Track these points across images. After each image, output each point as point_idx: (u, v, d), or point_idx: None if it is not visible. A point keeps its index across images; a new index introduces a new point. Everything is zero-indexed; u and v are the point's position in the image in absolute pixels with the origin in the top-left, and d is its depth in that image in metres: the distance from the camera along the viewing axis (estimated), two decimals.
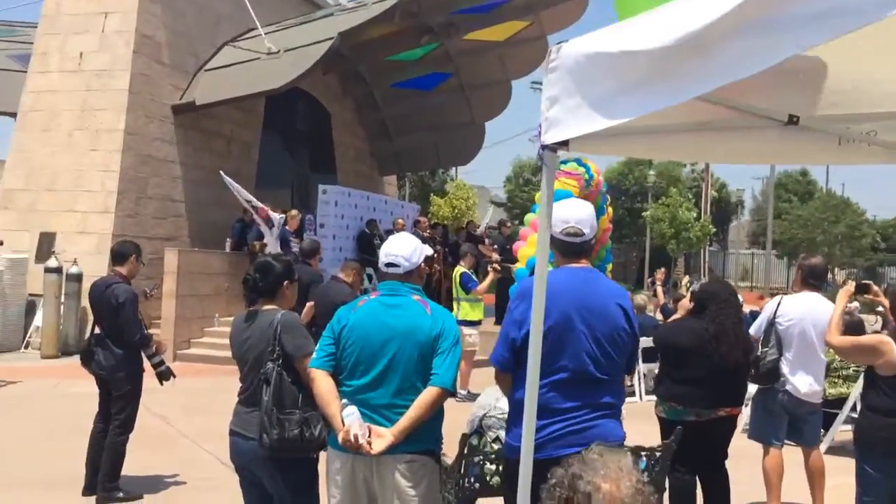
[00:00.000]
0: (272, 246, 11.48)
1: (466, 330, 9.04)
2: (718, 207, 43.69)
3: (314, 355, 3.22)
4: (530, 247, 13.24)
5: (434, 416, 3.08)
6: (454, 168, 36.81)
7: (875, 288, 4.20)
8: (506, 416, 3.45)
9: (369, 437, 2.94)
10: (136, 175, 12.69)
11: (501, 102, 19.55)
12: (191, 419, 7.89)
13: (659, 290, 11.02)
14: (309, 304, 7.43)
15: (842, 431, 7.12)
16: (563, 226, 3.12)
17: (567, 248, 3.13)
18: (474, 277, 9.44)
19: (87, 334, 5.68)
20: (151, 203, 12.97)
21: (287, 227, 12.28)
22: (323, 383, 3.13)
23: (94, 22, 12.98)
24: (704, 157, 4.17)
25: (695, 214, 29.22)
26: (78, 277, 11.65)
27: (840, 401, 7.09)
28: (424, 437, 3.06)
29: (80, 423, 6.02)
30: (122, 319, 5.35)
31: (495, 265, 9.87)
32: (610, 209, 17.24)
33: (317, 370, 3.16)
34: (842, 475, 5.68)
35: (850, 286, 4.09)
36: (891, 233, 42.80)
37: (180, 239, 13.38)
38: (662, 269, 20.49)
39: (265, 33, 13.85)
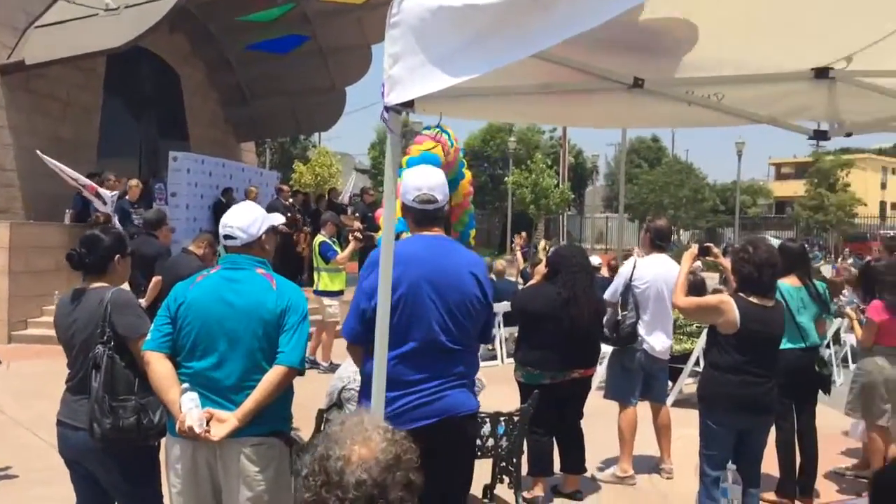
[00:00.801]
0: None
1: (327, 301, 8.89)
2: (575, 173, 45.26)
3: (148, 336, 2.97)
4: (395, 213, 13.14)
5: (282, 395, 2.91)
6: (317, 134, 36.09)
7: (716, 250, 4.38)
8: None
9: (208, 424, 2.74)
10: None
11: (361, 67, 19.12)
12: (26, 405, 7.26)
13: (519, 255, 11.21)
14: (155, 279, 7.01)
15: (686, 385, 7.52)
16: (416, 193, 3.04)
17: (421, 215, 3.05)
18: (335, 247, 9.21)
19: None
20: None
21: (128, 198, 11.54)
22: (159, 367, 2.88)
23: None
24: (553, 119, 4.21)
25: (556, 181, 30.06)
26: None
27: (685, 356, 7.47)
28: (271, 417, 2.89)
29: None
30: None
31: (357, 233, 9.66)
32: (468, 173, 17.42)
33: (151, 353, 2.91)
34: (686, 427, 6.00)
35: (694, 249, 4.25)
36: (728, 196, 46.00)
37: (12, 211, 12.29)
38: (523, 234, 21.04)
39: None
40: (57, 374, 8.50)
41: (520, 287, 10.39)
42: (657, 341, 5.19)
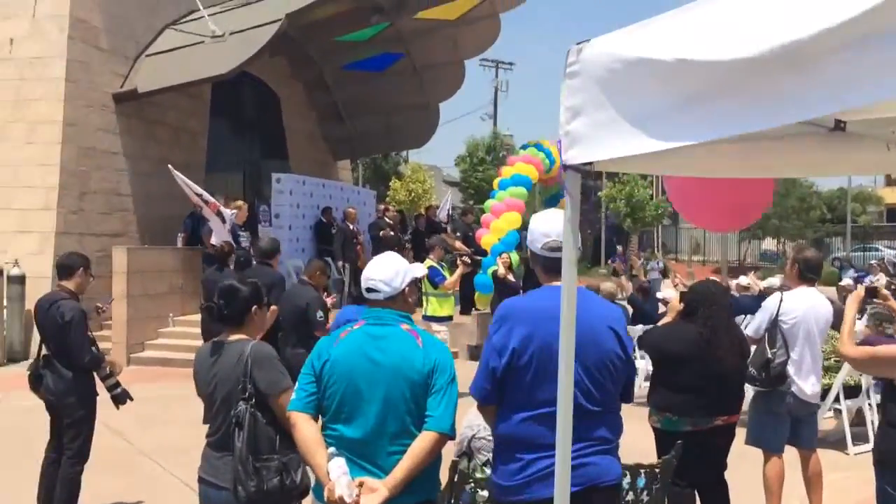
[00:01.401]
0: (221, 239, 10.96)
1: (436, 326, 8.77)
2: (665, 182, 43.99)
3: (294, 396, 2.85)
4: (493, 235, 12.97)
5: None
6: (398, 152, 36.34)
7: (884, 292, 3.97)
8: None
9: (359, 493, 2.60)
10: (78, 168, 12.00)
11: (455, 83, 19.15)
12: (149, 433, 7.42)
13: (624, 279, 10.82)
14: (272, 310, 7.00)
15: (825, 419, 7.02)
16: (544, 240, 2.87)
17: (550, 263, 2.83)
18: (444, 272, 9.09)
19: (35, 355, 5.18)
20: (96, 198, 12.30)
21: (235, 220, 11.77)
22: (305, 429, 2.75)
23: (23, 5, 12.17)
24: (743, 172, 3.78)
25: (650, 192, 29.30)
26: (20, 279, 11.01)
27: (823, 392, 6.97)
28: (421, 485, 2.71)
29: (32, 445, 5.55)
30: (69, 340, 4.89)
31: (466, 259, 9.54)
32: (559, 160, 17.08)
33: (298, 414, 2.78)
34: (831, 471, 5.55)
35: (860, 291, 3.85)
36: (835, 204, 43.70)
37: (128, 235, 12.75)
38: (635, 253, 20.20)
39: (208, 15, 13.19)
40: (176, 398, 8.65)
41: (626, 308, 9.99)
42: (807, 383, 4.79)
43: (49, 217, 11.57)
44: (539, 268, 2.93)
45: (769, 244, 47.05)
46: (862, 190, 49.27)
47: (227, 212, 11.51)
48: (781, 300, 4.81)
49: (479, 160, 38.61)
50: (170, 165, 11.63)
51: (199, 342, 11.33)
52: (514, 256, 12.29)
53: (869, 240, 42.22)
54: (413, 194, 26.34)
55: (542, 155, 14.07)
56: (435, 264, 9.06)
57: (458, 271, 9.10)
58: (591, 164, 2.00)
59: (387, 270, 2.88)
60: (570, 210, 2.11)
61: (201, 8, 13.18)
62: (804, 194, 36.09)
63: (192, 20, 13.95)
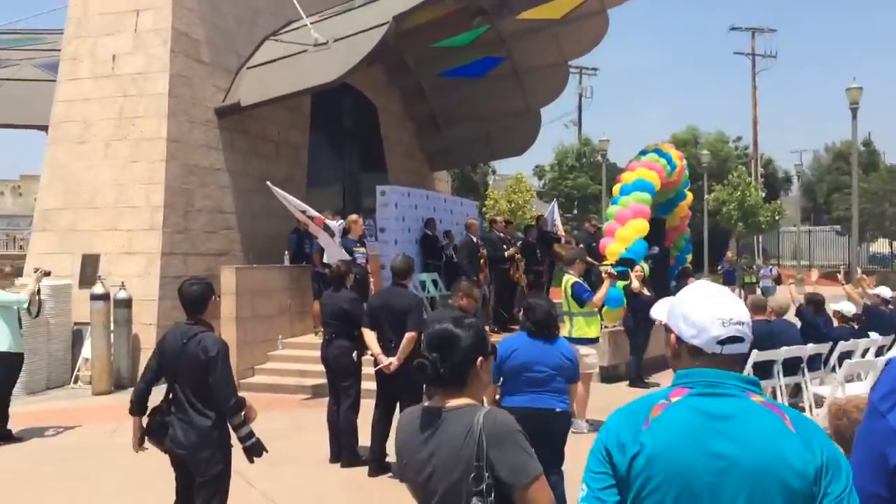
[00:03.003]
0: (334, 256, 10.28)
1: (584, 350, 7.78)
2: (766, 184, 41.83)
3: None
4: (619, 244, 11.92)
5: None
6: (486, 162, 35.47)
7: None
8: None
9: None
10: (183, 186, 11.56)
11: (558, 86, 18.22)
12: (274, 473, 6.66)
13: (793, 290, 9.62)
14: (410, 335, 6.20)
15: None
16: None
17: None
18: (587, 287, 8.13)
19: (160, 399, 4.46)
20: (200, 216, 11.83)
21: (350, 236, 11.08)
22: None
23: (125, 21, 11.85)
24: None
25: (763, 195, 27.53)
26: (127, 303, 10.58)
27: None
28: None
29: (146, 489, 4.86)
30: (214, 378, 4.16)
31: (611, 270, 8.57)
32: (690, 195, 15.85)
33: None
34: None
35: None
36: None
37: (233, 254, 12.25)
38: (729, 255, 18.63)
39: (310, 24, 12.63)
40: (295, 429, 7.87)
41: (795, 325, 8.80)
42: None
43: (154, 237, 11.15)
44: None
45: (879, 246, 44.19)
46: None
47: (333, 223, 10.85)
48: None
49: (569, 167, 37.48)
50: (268, 182, 11.05)
51: (309, 366, 10.73)
52: (646, 268, 11.23)
53: None
54: (513, 205, 25.39)
55: (664, 161, 12.97)
56: (578, 280, 8.12)
57: (605, 285, 8.14)
58: None
59: (743, 309, 1.93)
60: None
61: (304, 16, 12.63)
62: None
63: (291, 30, 13.44)
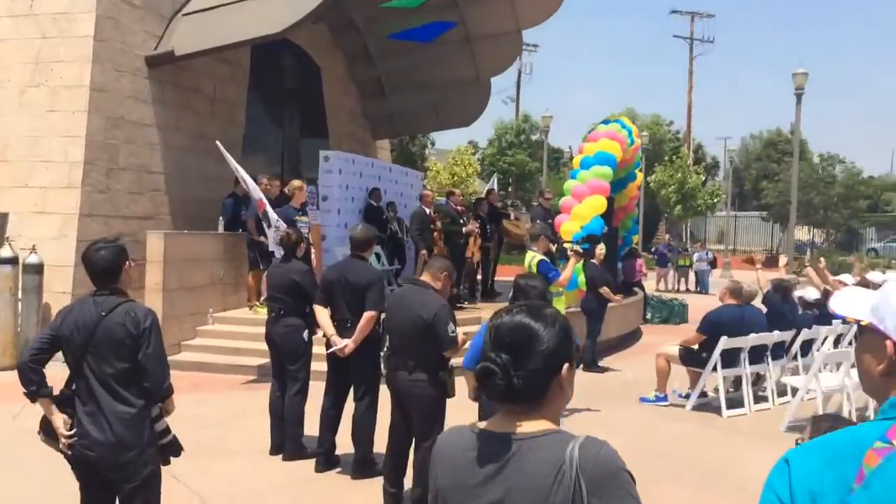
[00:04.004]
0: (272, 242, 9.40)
1: None
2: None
3: None
4: (575, 221, 11.42)
5: None
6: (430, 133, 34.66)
7: None
8: None
9: None
10: (106, 141, 10.45)
11: (510, 55, 17.58)
12: (206, 466, 5.87)
13: (760, 275, 9.28)
14: (369, 315, 5.49)
15: None
16: None
17: None
18: (553, 266, 7.56)
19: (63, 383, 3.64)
20: (125, 175, 10.76)
21: (292, 204, 10.23)
22: None
23: None
24: None
25: (703, 178, 27.62)
26: (38, 268, 9.51)
27: None
28: None
29: (60, 487, 4.05)
30: (145, 356, 3.39)
31: (576, 248, 8.01)
32: (640, 175, 15.50)
33: None
34: None
35: None
36: (871, 193, 41.68)
37: (160, 218, 11.23)
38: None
39: None
40: (229, 414, 7.03)
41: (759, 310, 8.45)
42: None
43: (72, 196, 10.05)
44: None
45: (801, 234, 45.43)
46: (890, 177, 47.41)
47: (272, 216, 9.69)
48: None
49: (508, 144, 37.05)
50: (218, 142, 10.04)
51: (244, 343, 9.89)
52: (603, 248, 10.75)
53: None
54: (456, 178, 24.69)
55: (626, 133, 12.51)
56: (543, 257, 7.54)
57: (571, 264, 7.59)
58: None
59: None
60: None
61: None
62: (852, 182, 34.28)
63: None
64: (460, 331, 4.85)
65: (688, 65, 43.74)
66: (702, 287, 24.18)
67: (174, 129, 11.65)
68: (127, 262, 3.62)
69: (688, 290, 23.96)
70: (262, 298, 10.64)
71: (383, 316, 5.37)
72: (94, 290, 3.54)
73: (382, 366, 4.99)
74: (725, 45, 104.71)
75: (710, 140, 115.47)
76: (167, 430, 3.72)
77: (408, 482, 5.08)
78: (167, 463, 3.79)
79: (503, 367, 1.63)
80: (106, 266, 3.52)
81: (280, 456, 6.08)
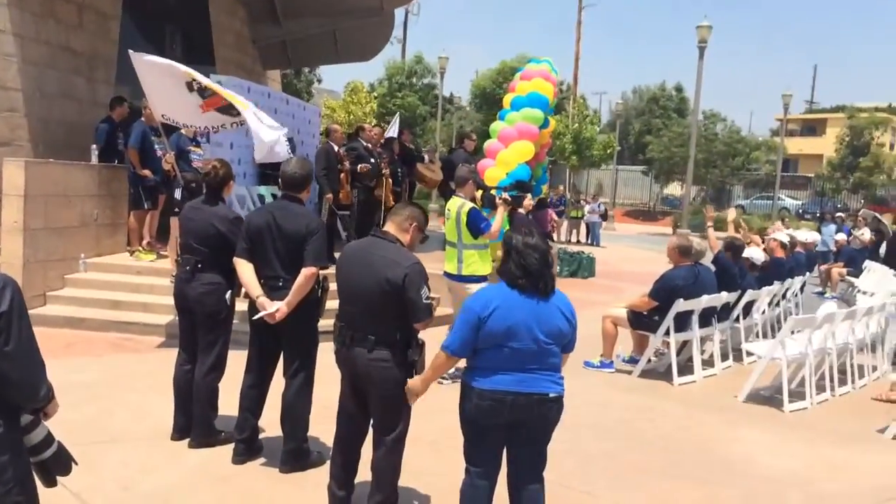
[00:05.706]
0: (263, 150, 7.92)
1: (474, 289, 6.17)
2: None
3: None
4: (500, 167, 10.53)
5: None
6: (314, 68, 32.72)
7: None
8: None
9: None
10: None
11: None
12: (89, 456, 4.60)
13: (710, 233, 8.74)
14: (309, 271, 4.38)
15: None
16: None
17: None
18: (484, 216, 6.65)
19: None
20: None
21: (184, 132, 8.82)
22: None
23: None
24: None
25: (598, 129, 27.39)
26: None
27: None
28: None
29: None
30: (3, 356, 2.28)
31: (505, 196, 7.10)
32: (554, 121, 14.75)
33: None
34: None
35: None
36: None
37: (17, 143, 9.41)
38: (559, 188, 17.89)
39: None
40: (111, 384, 5.74)
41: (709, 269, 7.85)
42: None
43: None
44: None
45: (673, 189, 46.76)
46: (766, 140, 49.79)
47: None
48: None
49: (399, 85, 35.68)
50: (131, 51, 8.19)
51: (124, 295, 8.43)
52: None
53: (769, 189, 42.34)
54: (352, 117, 23.18)
55: (555, 75, 11.65)
56: (475, 205, 6.63)
57: (500, 213, 6.69)
58: None
59: None
60: None
61: None
62: (732, 140, 35.24)
63: None
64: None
65: (576, 15, 43.55)
66: (593, 239, 24.13)
67: (34, 39, 9.75)
68: None
69: (579, 242, 23.83)
70: (145, 242, 9.22)
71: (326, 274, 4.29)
72: None
73: (335, 343, 3.90)
74: None
75: (589, 95, 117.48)
76: (48, 440, 2.62)
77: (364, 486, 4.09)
78: (52, 484, 2.69)
79: None
80: None
81: (185, 442, 4.91)
